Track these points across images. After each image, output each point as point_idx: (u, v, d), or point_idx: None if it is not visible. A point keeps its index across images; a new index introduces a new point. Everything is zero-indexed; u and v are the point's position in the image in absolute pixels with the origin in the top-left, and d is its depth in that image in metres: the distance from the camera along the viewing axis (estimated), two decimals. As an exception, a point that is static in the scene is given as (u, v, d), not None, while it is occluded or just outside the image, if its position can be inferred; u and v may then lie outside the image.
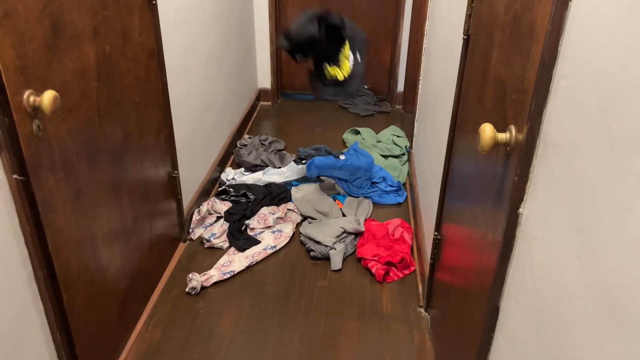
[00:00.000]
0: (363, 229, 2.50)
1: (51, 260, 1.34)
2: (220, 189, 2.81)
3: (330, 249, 2.35)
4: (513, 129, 1.00)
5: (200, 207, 2.56)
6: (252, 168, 3.03)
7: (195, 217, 2.50)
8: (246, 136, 3.45)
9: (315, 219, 2.59)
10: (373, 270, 2.26)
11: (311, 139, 3.52)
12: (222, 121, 3.08)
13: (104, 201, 1.62)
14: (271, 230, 2.51)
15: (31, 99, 1.19)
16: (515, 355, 0.99)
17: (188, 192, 2.47)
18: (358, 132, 3.54)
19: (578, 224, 0.75)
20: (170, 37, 2.13)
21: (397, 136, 3.39)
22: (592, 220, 0.71)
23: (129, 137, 1.77)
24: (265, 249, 2.39)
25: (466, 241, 1.43)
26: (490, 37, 1.27)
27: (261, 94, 4.11)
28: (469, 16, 1.52)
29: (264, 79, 4.08)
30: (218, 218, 2.57)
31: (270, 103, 4.14)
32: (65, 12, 1.34)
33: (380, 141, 3.39)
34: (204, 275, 2.18)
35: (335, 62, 2.28)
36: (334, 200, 2.75)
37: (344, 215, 2.62)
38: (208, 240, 2.39)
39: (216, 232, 2.43)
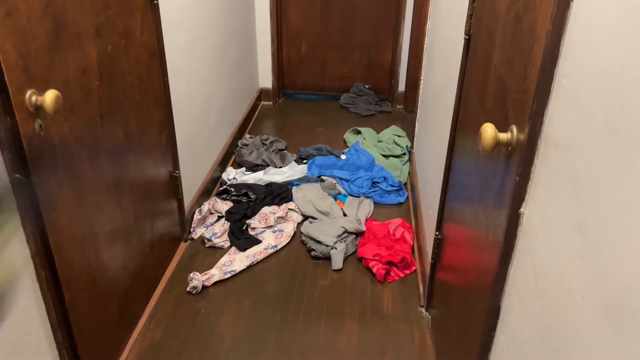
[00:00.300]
0: (364, 228, 2.50)
1: (53, 259, 1.34)
2: (221, 188, 2.81)
3: (331, 248, 2.35)
4: (514, 128, 1.00)
5: (202, 206, 2.57)
6: (253, 168, 3.03)
7: (197, 216, 2.50)
8: (247, 136, 3.46)
9: (316, 218, 2.59)
10: (374, 270, 2.26)
11: (312, 138, 3.52)
12: (223, 121, 3.08)
13: (105, 200, 1.62)
14: (272, 230, 2.51)
15: (33, 98, 1.20)
16: (516, 355, 0.99)
17: (189, 192, 2.47)
18: (359, 132, 3.54)
19: (580, 223, 0.75)
20: (171, 37, 2.13)
21: (398, 136, 3.39)
22: (594, 220, 0.71)
23: (130, 137, 1.78)
24: (266, 249, 2.39)
25: (467, 241, 1.43)
26: (491, 37, 1.27)
27: (262, 94, 4.11)
28: (470, 16, 1.52)
29: (265, 79, 4.08)
30: (219, 217, 2.57)
31: (271, 103, 4.15)
32: (67, 11, 1.34)
33: (381, 141, 3.39)
34: (205, 274, 2.19)
35: None
36: (335, 200, 2.75)
37: (344, 214, 2.62)
38: (209, 240, 2.39)
39: (217, 232, 2.43)
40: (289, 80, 4.23)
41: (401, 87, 4.05)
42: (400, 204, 2.82)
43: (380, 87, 4.17)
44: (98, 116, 1.54)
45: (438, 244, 1.86)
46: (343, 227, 2.44)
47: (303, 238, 2.47)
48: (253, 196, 2.67)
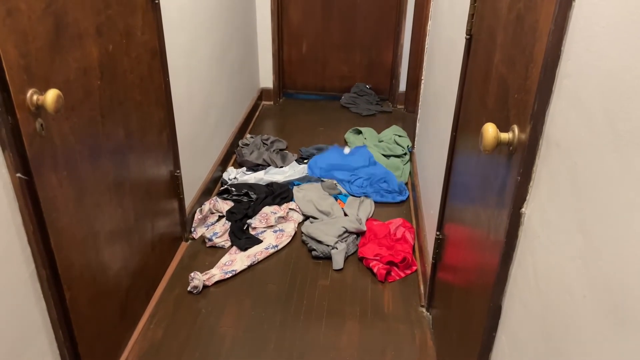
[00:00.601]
0: (365, 228, 2.50)
1: (54, 258, 1.34)
2: (222, 188, 2.81)
3: (332, 248, 2.35)
4: (516, 128, 1.00)
5: (202, 206, 2.57)
6: (254, 167, 3.03)
7: (197, 216, 2.50)
8: (248, 135, 3.46)
9: (317, 218, 2.59)
10: (375, 270, 2.26)
11: (313, 138, 3.52)
12: (224, 120, 3.08)
13: (106, 200, 1.62)
14: (273, 230, 2.51)
15: (34, 97, 1.20)
16: (517, 355, 0.99)
17: (190, 191, 2.47)
18: (360, 132, 3.54)
19: (581, 223, 0.75)
20: (172, 37, 2.13)
21: (399, 136, 3.39)
22: (596, 220, 0.71)
23: (131, 136, 1.78)
24: (267, 248, 2.39)
25: (468, 241, 1.43)
26: (492, 36, 1.27)
27: (263, 94, 4.11)
28: (471, 16, 1.51)
29: (266, 79, 4.08)
30: (220, 217, 2.57)
31: (272, 102, 4.15)
32: (68, 11, 1.34)
33: (382, 141, 3.39)
34: (206, 274, 2.19)
35: None
36: (336, 200, 2.75)
37: (345, 214, 2.62)
38: (210, 240, 2.39)
39: (218, 231, 2.44)
40: (289, 80, 4.23)
41: (402, 87, 4.05)
42: (402, 202, 2.82)
43: (381, 87, 4.17)
44: (99, 115, 1.54)
45: (439, 244, 1.86)
46: (344, 227, 2.43)
47: (304, 238, 2.47)
48: (254, 196, 2.67)
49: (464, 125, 1.59)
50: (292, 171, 3.00)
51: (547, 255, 0.87)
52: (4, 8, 1.10)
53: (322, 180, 2.91)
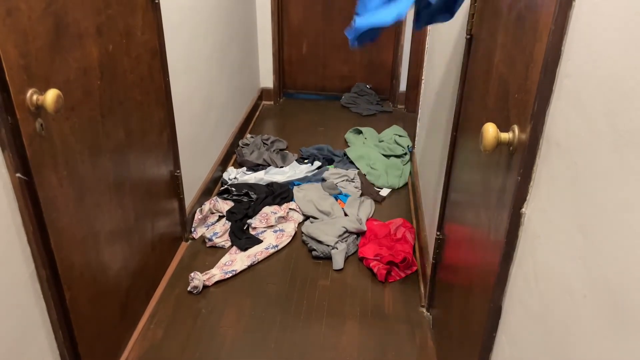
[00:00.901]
0: (365, 228, 2.50)
1: (54, 258, 1.34)
2: (222, 188, 2.81)
3: (332, 248, 2.35)
4: (516, 128, 1.00)
5: (203, 206, 2.56)
6: (254, 167, 3.03)
7: (198, 216, 2.50)
8: (248, 135, 3.46)
9: (317, 218, 2.59)
10: (375, 270, 2.26)
11: (313, 138, 3.52)
12: (224, 120, 3.08)
13: (106, 200, 1.62)
14: (273, 230, 2.51)
15: (34, 97, 1.20)
16: (517, 356, 0.99)
17: (190, 191, 2.47)
18: (360, 132, 3.54)
19: (582, 224, 0.75)
20: (172, 37, 2.13)
21: (400, 136, 3.39)
22: (596, 220, 0.71)
23: (131, 136, 1.78)
24: (267, 248, 2.39)
25: (469, 241, 1.43)
26: (493, 36, 1.27)
27: (263, 94, 4.11)
28: (472, 15, 1.51)
29: (266, 79, 4.08)
30: (220, 217, 2.57)
31: (272, 102, 4.15)
32: (68, 10, 1.34)
33: (382, 141, 3.39)
34: (206, 274, 2.18)
35: None
36: (336, 200, 2.75)
37: (345, 214, 2.62)
38: (210, 240, 2.39)
39: (218, 231, 2.43)
40: (290, 80, 4.23)
41: (402, 86, 4.05)
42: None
43: (381, 86, 4.17)
44: (99, 115, 1.54)
45: (439, 244, 1.86)
46: (344, 227, 2.43)
47: (304, 238, 2.47)
48: (254, 196, 2.67)
49: (464, 125, 1.59)
50: (292, 171, 3.00)
51: (547, 255, 0.87)
52: (4, 8, 1.10)
53: (323, 180, 2.91)
